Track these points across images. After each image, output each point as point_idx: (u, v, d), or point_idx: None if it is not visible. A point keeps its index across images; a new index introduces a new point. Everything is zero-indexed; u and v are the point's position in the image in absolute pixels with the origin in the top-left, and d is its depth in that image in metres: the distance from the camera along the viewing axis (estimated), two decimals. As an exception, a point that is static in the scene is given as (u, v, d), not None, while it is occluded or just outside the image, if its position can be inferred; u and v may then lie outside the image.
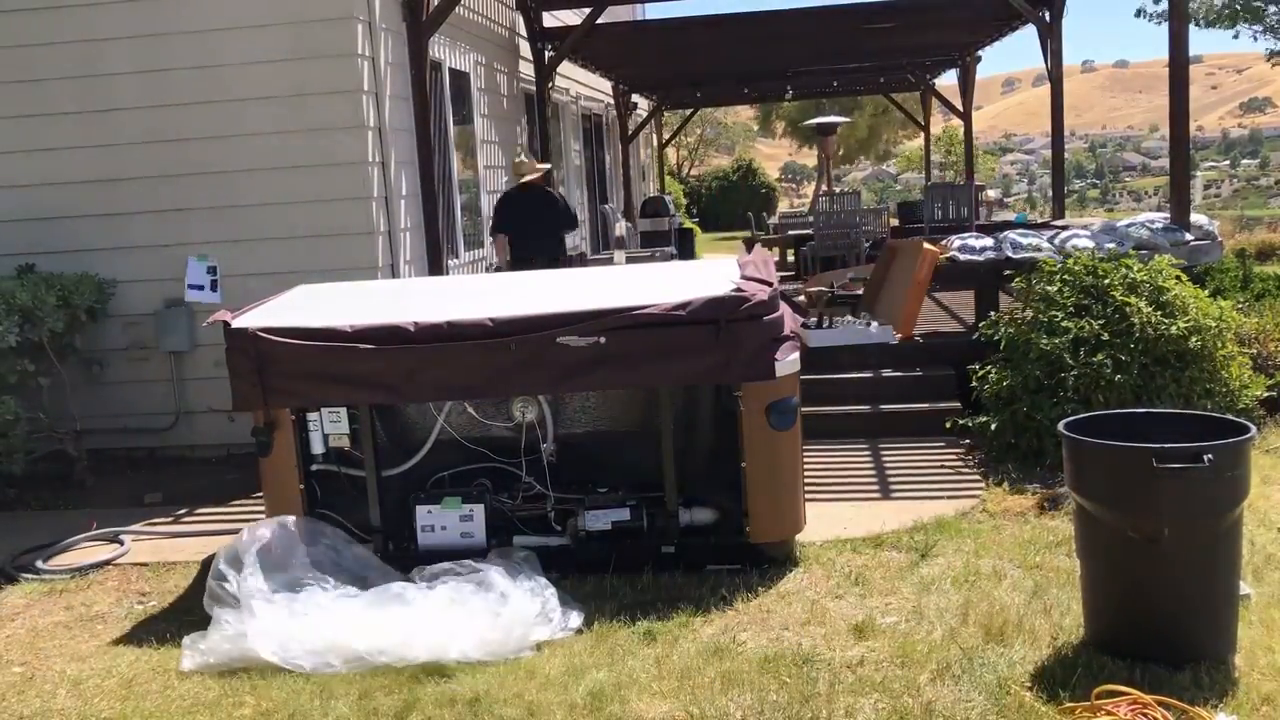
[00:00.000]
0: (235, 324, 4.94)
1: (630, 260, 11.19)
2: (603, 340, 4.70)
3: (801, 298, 8.65)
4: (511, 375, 4.80)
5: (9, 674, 4.33)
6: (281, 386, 4.89)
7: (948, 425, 6.75)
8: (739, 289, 4.77)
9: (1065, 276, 6.51)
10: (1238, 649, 3.75)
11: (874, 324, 8.14)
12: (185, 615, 4.76)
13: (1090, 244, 7.55)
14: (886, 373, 7.65)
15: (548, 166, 9.80)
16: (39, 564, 5.61)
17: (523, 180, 8.95)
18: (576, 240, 14.15)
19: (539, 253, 8.57)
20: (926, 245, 7.49)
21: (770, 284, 4.89)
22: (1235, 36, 20.80)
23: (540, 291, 5.36)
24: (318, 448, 5.06)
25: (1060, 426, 3.92)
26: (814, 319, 8.09)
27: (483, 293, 5.62)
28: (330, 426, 5.05)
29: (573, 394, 5.15)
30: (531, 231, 8.75)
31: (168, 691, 4.04)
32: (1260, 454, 6.06)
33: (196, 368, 7.60)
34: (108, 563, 5.59)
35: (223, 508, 6.51)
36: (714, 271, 5.33)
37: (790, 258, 15.16)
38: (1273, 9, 20.48)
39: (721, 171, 35.97)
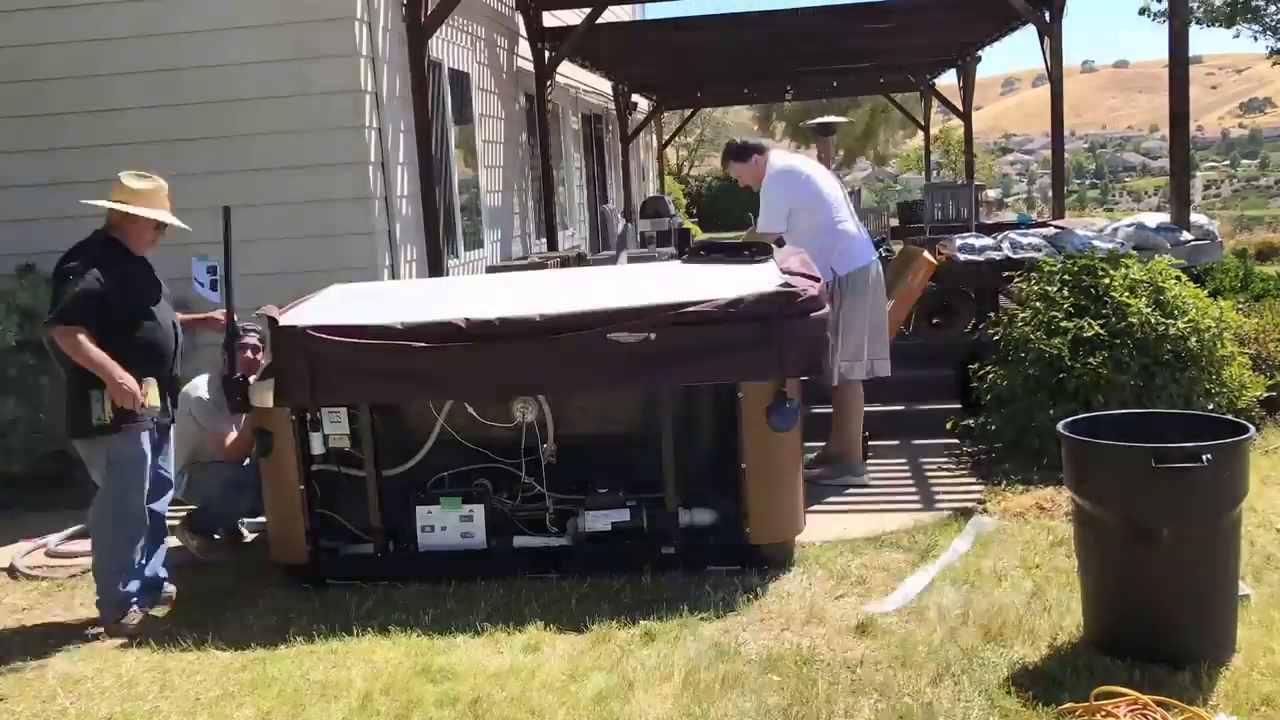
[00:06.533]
0: (284, 321, 4.93)
1: (632, 260, 11.12)
2: (653, 336, 4.68)
3: None
4: (561, 372, 4.80)
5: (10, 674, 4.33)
6: (331, 383, 4.87)
7: (948, 425, 6.75)
8: (788, 284, 4.76)
9: (1065, 276, 6.51)
10: (1237, 649, 3.75)
11: None
12: (185, 614, 4.78)
13: (1090, 243, 7.55)
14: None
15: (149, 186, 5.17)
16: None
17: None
18: (576, 240, 14.17)
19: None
20: (925, 255, 7.47)
21: (818, 279, 4.88)
22: (1236, 36, 20.72)
23: (581, 289, 5.33)
24: (318, 448, 5.04)
25: (1060, 427, 3.92)
26: None
27: (521, 290, 5.57)
28: (330, 427, 5.03)
29: (575, 396, 5.14)
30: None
31: (167, 691, 4.04)
32: (1260, 454, 6.05)
33: (196, 368, 7.58)
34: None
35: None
36: (750, 269, 5.29)
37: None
38: (1272, 9, 20.43)
39: (721, 171, 35.88)
